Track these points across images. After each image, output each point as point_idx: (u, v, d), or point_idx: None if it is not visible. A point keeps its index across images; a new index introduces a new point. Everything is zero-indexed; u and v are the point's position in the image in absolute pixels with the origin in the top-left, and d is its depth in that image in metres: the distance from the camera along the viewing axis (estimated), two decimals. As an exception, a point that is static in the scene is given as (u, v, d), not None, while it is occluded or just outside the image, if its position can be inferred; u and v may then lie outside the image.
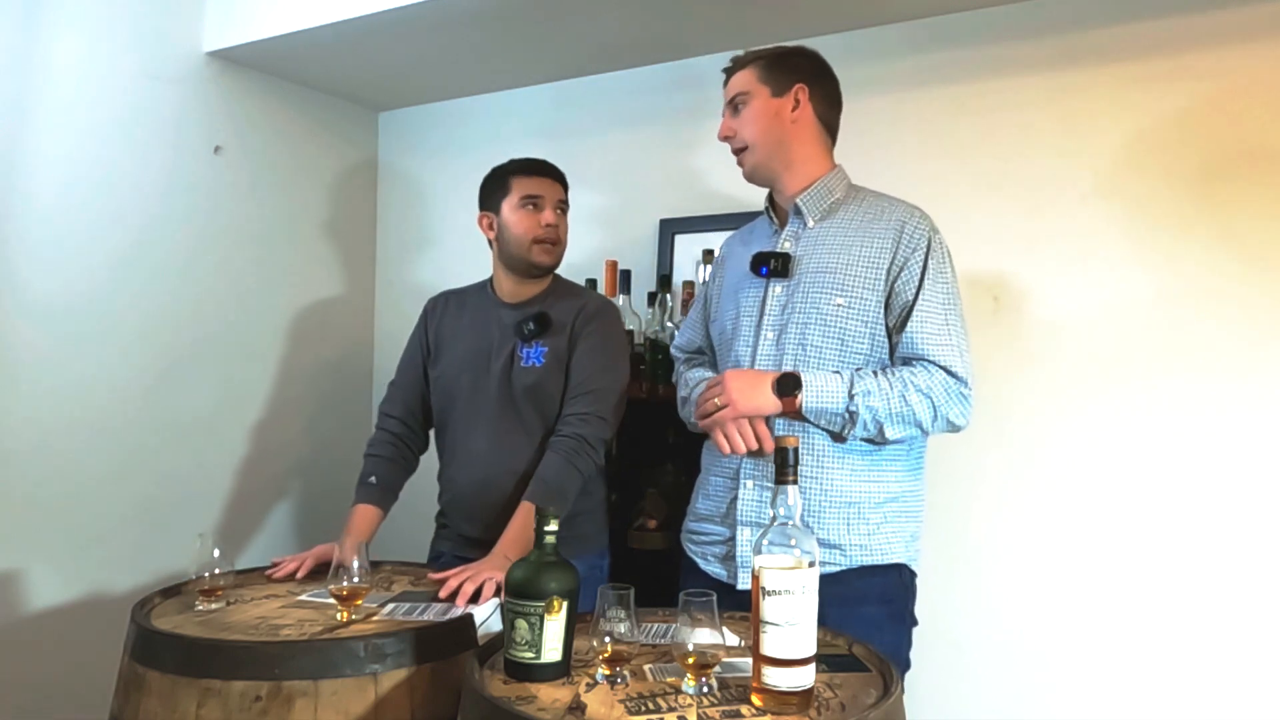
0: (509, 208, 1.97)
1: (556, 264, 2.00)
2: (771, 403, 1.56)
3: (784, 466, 1.23)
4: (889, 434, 1.57)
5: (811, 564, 1.19)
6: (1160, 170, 1.97)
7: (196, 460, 2.55)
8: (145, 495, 2.42)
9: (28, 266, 2.19)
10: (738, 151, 1.72)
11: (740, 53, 1.75)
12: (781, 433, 1.60)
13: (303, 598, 1.71)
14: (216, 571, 1.65)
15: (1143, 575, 1.95)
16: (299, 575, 1.84)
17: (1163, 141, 1.97)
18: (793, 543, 1.20)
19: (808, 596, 1.18)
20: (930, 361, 1.58)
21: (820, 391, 1.55)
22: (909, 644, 1.68)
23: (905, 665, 1.65)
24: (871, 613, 1.59)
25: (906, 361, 1.60)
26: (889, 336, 1.63)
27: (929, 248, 1.61)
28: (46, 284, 2.22)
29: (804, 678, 1.17)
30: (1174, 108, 1.96)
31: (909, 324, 1.59)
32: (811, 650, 1.18)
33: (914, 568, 1.69)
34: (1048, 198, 2.07)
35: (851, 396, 1.54)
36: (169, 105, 2.46)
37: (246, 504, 2.68)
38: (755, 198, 1.91)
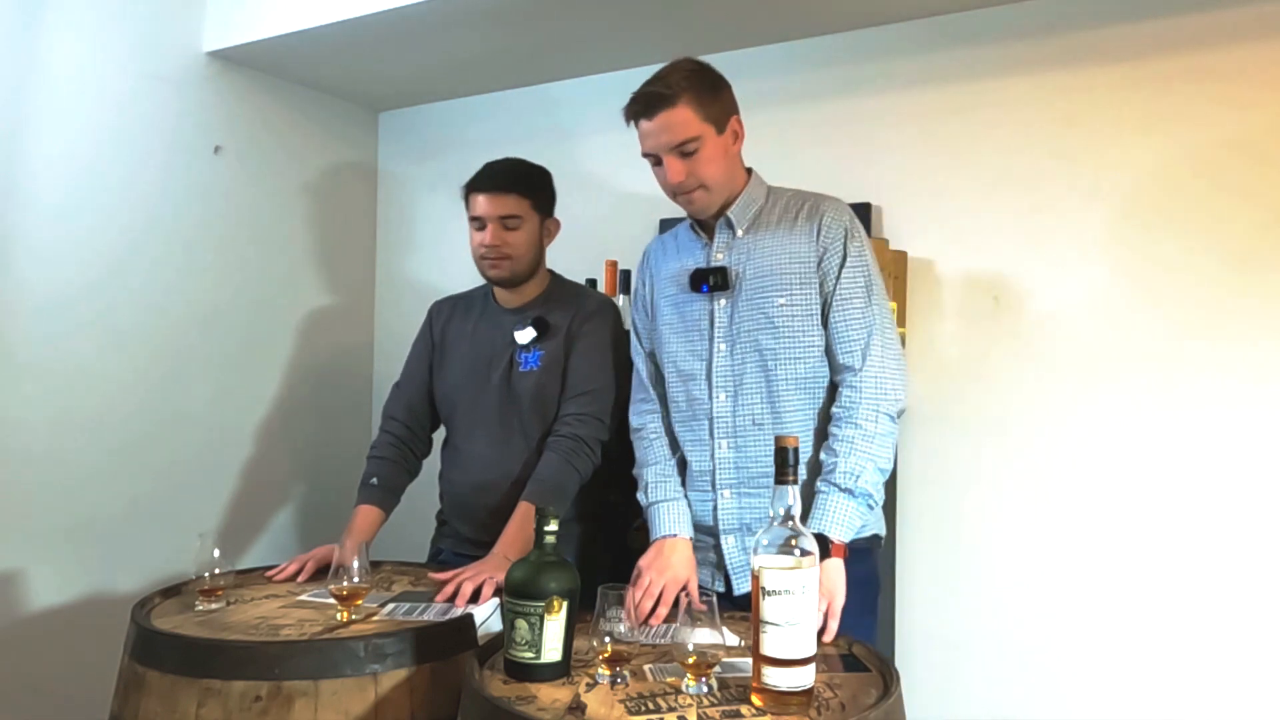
0: (469, 224, 1.98)
1: (511, 276, 1.96)
2: (837, 566, 1.52)
3: (784, 466, 1.23)
4: (887, 469, 1.60)
5: (811, 564, 1.19)
6: (1160, 170, 1.97)
7: (196, 460, 2.55)
8: (145, 495, 2.42)
9: (27, 266, 2.18)
10: (687, 192, 1.63)
11: (655, 87, 1.58)
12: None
13: (303, 598, 1.71)
14: (216, 571, 1.65)
15: (1139, 571, 1.95)
16: (300, 579, 1.84)
17: (1162, 142, 1.97)
18: (793, 542, 1.20)
19: (808, 596, 1.18)
20: (850, 369, 1.60)
21: (841, 520, 1.54)
22: (875, 640, 1.66)
23: None
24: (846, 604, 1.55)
25: (838, 375, 1.62)
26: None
27: (847, 234, 1.64)
28: (46, 284, 2.22)
29: (804, 678, 1.17)
30: (1173, 108, 1.96)
31: (832, 313, 1.62)
32: (811, 650, 1.18)
33: (881, 532, 1.71)
34: (1048, 198, 2.07)
35: (855, 494, 1.55)
36: (169, 105, 2.46)
37: (246, 503, 2.68)
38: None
